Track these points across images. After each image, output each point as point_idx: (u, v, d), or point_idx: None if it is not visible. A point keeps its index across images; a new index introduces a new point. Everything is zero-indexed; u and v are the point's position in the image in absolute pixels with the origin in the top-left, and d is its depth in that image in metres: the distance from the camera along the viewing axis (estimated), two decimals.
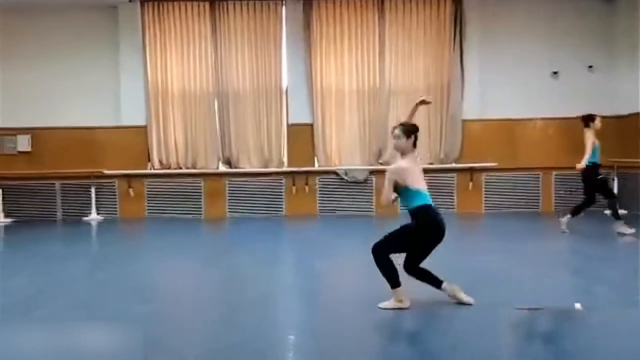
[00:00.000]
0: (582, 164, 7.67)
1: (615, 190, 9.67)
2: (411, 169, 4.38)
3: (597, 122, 7.83)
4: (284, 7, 10.43)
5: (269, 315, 4.43)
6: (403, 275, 4.39)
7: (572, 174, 10.37)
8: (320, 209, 10.47)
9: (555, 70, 10.47)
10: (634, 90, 9.76)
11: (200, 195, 10.50)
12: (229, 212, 10.47)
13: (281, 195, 10.52)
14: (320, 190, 10.50)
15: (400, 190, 4.38)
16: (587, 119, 7.86)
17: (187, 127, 10.48)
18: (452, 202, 10.47)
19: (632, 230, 7.47)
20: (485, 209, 10.52)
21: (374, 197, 10.23)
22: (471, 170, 10.41)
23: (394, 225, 4.46)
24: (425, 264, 4.48)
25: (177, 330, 4.14)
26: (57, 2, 10.08)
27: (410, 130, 4.43)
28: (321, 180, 10.50)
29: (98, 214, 10.37)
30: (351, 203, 10.44)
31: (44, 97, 10.38)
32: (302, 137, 10.46)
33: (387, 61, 10.42)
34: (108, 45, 10.37)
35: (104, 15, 10.39)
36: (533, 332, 3.95)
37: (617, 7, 10.40)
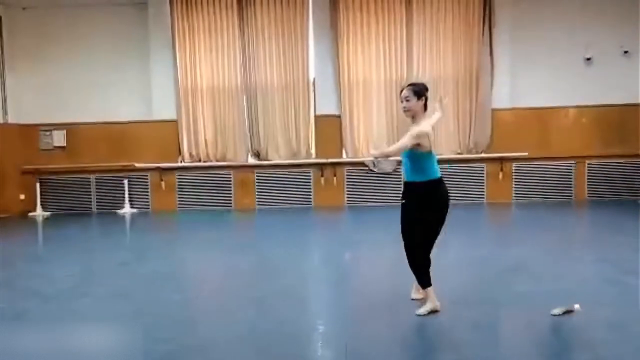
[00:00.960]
0: None
1: None
2: (431, 136, 4.03)
3: None
4: (310, 0, 10.44)
5: (297, 304, 4.50)
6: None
7: (606, 162, 10.24)
8: (348, 201, 10.50)
9: (588, 56, 10.21)
10: None
11: (230, 187, 10.65)
12: (258, 204, 10.59)
13: (309, 186, 10.58)
14: (348, 182, 10.53)
15: (416, 156, 3.99)
16: None
17: (217, 121, 10.62)
18: (482, 192, 10.36)
19: None
20: (515, 199, 10.38)
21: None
22: (501, 159, 10.27)
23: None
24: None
25: (209, 315, 4.27)
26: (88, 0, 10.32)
27: (419, 89, 4.04)
28: (349, 171, 10.52)
29: (131, 206, 10.62)
30: (379, 194, 10.43)
31: (77, 93, 10.65)
32: (330, 128, 10.48)
33: (415, 51, 10.34)
34: (139, 41, 10.57)
35: (134, 12, 10.58)
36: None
37: None
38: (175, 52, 10.52)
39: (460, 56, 10.30)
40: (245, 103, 10.60)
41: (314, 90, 10.55)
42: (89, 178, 10.75)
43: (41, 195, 10.59)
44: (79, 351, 3.61)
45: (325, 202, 10.45)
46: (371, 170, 10.46)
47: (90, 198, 10.79)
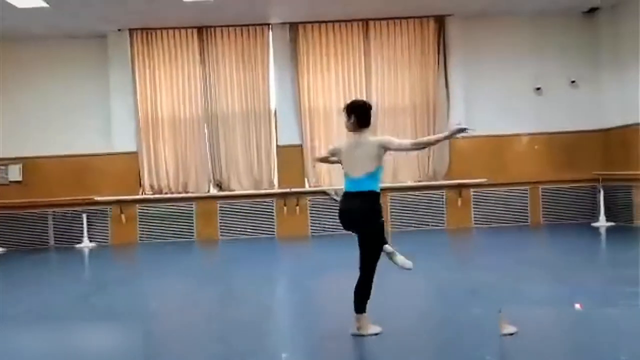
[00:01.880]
0: None
1: (602, 203, 9.84)
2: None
3: None
4: (270, 32, 10.63)
5: (263, 332, 4.48)
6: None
7: (558, 187, 10.63)
8: (312, 230, 10.53)
9: (538, 86, 10.68)
10: (618, 103, 9.98)
11: (192, 219, 10.55)
12: (221, 234, 10.51)
13: (272, 216, 10.58)
14: (311, 211, 10.58)
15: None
16: None
17: (178, 152, 10.58)
18: (443, 218, 10.57)
19: None
20: (475, 224, 10.61)
21: None
22: (460, 186, 10.53)
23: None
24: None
25: (170, 349, 4.20)
26: (45, 32, 10.18)
27: (348, 107, 4.25)
28: (312, 200, 10.59)
29: (90, 240, 10.38)
30: None
31: (34, 126, 10.48)
32: (292, 158, 10.57)
33: (374, 81, 10.60)
34: (98, 74, 10.51)
35: (93, 45, 10.54)
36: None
37: (599, 20, 10.54)
38: (135, 83, 10.49)
39: (417, 87, 10.61)
40: (206, 133, 10.62)
41: (276, 120, 10.66)
42: (47, 212, 10.49)
43: None
44: None
45: (288, 231, 10.45)
46: (333, 199, 10.55)
47: (48, 233, 10.51)
